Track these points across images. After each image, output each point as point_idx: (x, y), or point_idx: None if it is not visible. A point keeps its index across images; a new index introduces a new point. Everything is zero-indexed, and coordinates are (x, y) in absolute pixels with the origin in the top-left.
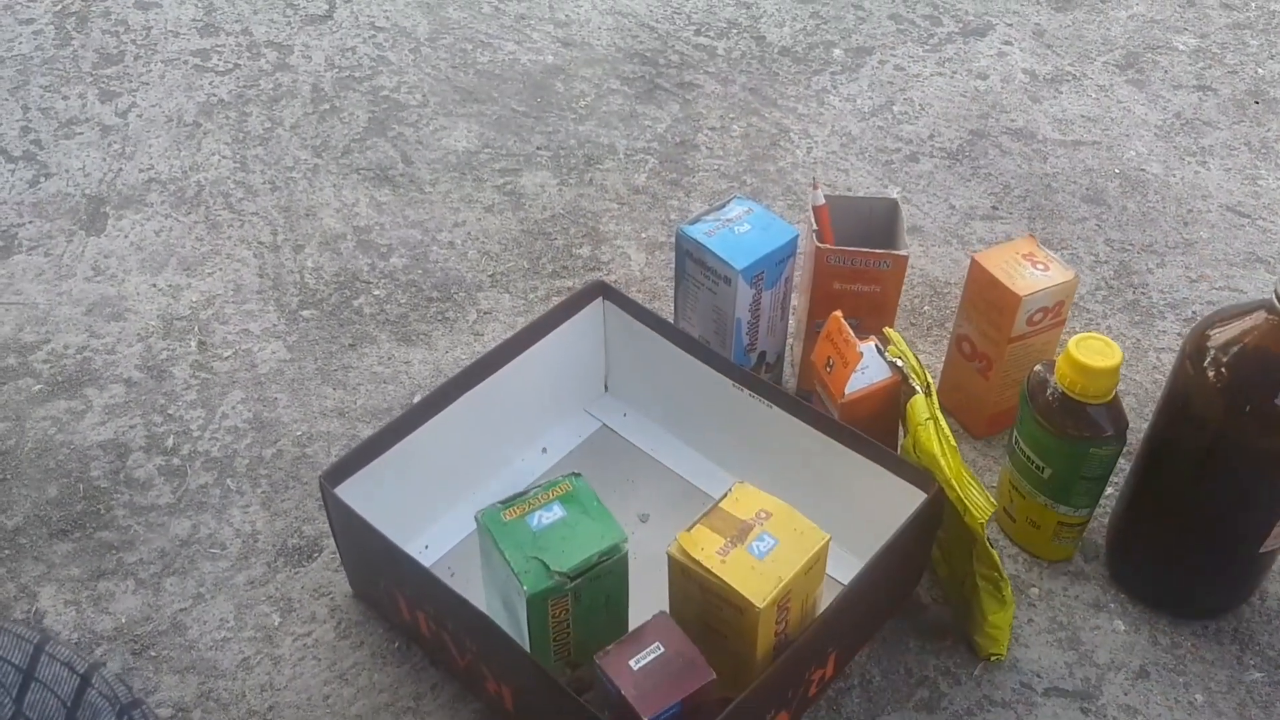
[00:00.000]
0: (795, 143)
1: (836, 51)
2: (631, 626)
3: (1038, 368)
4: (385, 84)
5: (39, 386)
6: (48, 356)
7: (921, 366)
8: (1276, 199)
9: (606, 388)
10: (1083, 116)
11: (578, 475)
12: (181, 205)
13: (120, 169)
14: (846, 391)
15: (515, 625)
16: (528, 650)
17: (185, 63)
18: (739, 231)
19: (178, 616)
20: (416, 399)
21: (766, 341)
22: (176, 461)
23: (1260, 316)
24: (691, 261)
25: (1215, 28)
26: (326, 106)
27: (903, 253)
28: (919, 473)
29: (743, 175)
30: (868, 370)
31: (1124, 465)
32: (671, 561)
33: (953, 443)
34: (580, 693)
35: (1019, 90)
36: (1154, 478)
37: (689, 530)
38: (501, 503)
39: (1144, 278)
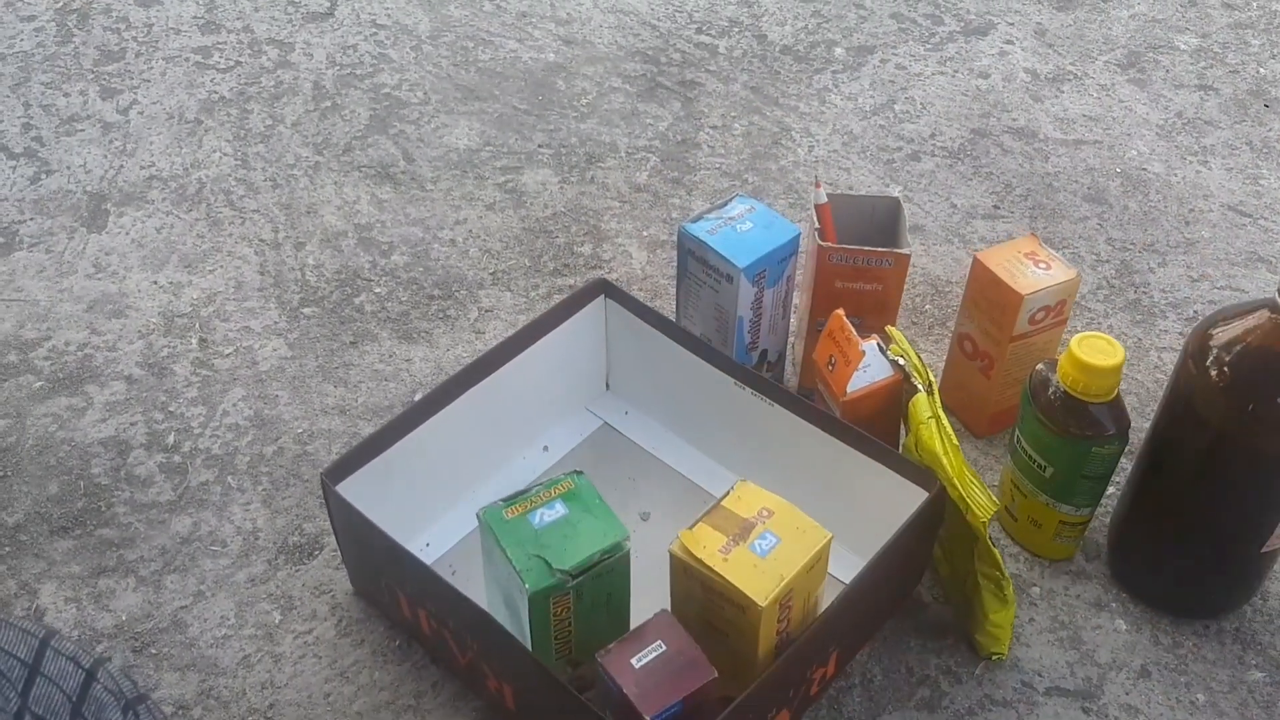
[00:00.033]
0: (797, 141)
1: (838, 50)
2: (633, 625)
3: (1040, 367)
4: (387, 81)
5: (40, 383)
6: (49, 353)
7: (923, 365)
8: (1278, 198)
9: (608, 386)
10: (1084, 116)
11: (579, 473)
12: (183, 202)
13: (121, 166)
14: (848, 390)
15: (517, 623)
16: (529, 648)
17: (186, 60)
18: (741, 230)
19: (178, 614)
20: (418, 397)
21: (768, 340)
22: (177, 459)
23: (1262, 316)
24: (693, 260)
25: (1217, 27)
26: (328, 104)
27: (905, 251)
28: (921, 471)
29: (744, 174)
30: (870, 369)
31: (1126, 465)
32: (673, 560)
33: (955, 441)
34: (582, 691)
35: (1020, 89)
36: (1156, 477)
37: (691, 528)
38: (503, 501)
39: (1145, 277)
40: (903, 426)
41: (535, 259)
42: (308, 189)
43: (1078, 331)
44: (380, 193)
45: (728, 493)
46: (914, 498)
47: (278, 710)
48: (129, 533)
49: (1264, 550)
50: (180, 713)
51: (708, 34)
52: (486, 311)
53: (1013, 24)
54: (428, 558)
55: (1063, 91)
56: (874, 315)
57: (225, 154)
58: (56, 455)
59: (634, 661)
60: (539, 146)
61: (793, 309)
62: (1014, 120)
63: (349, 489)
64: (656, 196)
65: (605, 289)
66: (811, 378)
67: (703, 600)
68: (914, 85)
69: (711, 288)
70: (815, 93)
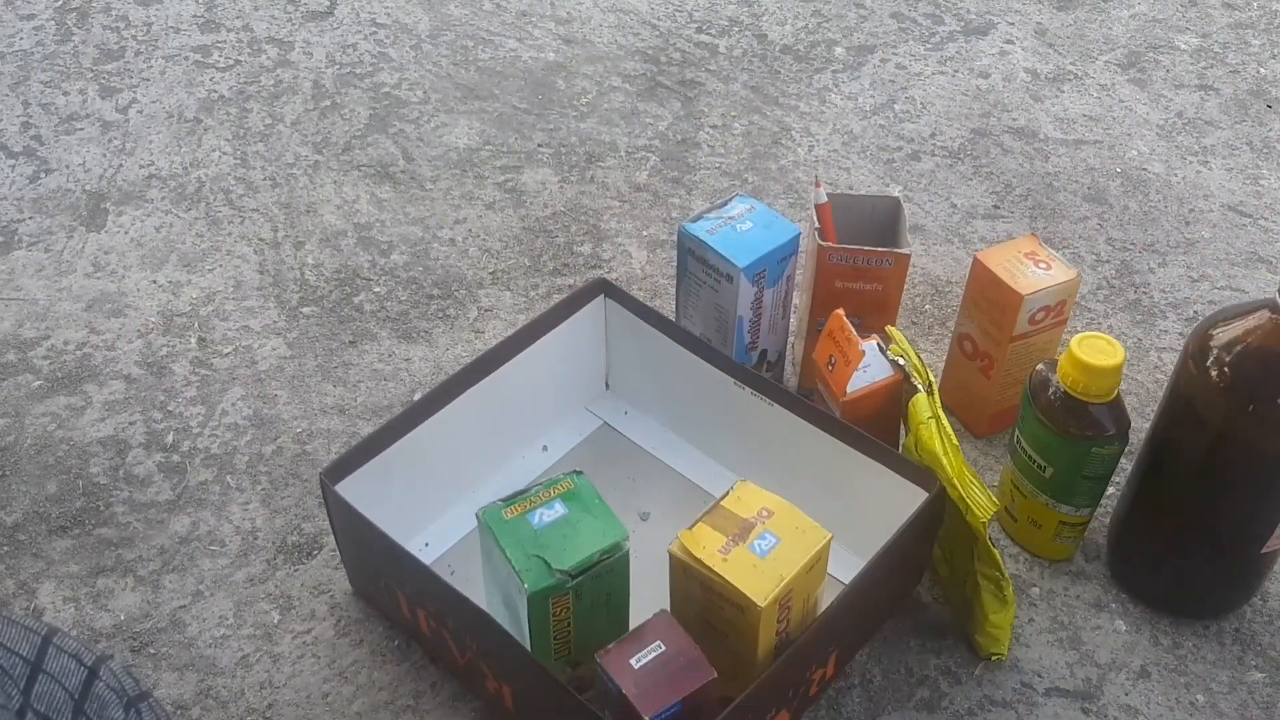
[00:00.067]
0: (797, 141)
1: (838, 50)
2: (632, 625)
3: (1040, 367)
4: (386, 81)
5: (39, 383)
6: (47, 352)
7: (923, 365)
8: (1278, 198)
9: (608, 386)
10: (1084, 115)
11: (579, 473)
12: (182, 201)
13: (121, 165)
14: (848, 390)
15: (516, 623)
16: (528, 648)
17: (186, 59)
18: (741, 229)
19: (177, 614)
20: (417, 396)
21: (768, 340)
22: (176, 458)
23: (1263, 316)
24: (693, 259)
25: (1217, 27)
26: (327, 103)
27: (905, 251)
28: (921, 472)
29: (744, 173)
30: (869, 369)
31: (1126, 465)
32: (673, 560)
33: (954, 442)
34: (581, 691)
35: (1021, 89)
36: (1156, 478)
37: (690, 528)
38: (502, 500)
39: (1145, 277)
40: (902, 427)
41: (535, 258)
42: (307, 188)
43: (1078, 332)
44: (380, 192)
45: (727, 493)
46: (914, 498)
47: (276, 710)
48: (128, 532)
49: (1264, 551)
50: (179, 713)
51: (708, 33)
52: (486, 311)
53: (1013, 24)
54: (427, 558)
55: (1063, 91)
56: (874, 315)
57: (224, 153)
58: (55, 454)
59: (633, 662)
60: (539, 146)
61: (793, 309)
62: (1014, 120)
63: (348, 489)
64: (656, 196)
65: (605, 289)
66: (811, 378)
67: (702, 600)
68: (914, 85)
69: (711, 287)
70: (815, 92)
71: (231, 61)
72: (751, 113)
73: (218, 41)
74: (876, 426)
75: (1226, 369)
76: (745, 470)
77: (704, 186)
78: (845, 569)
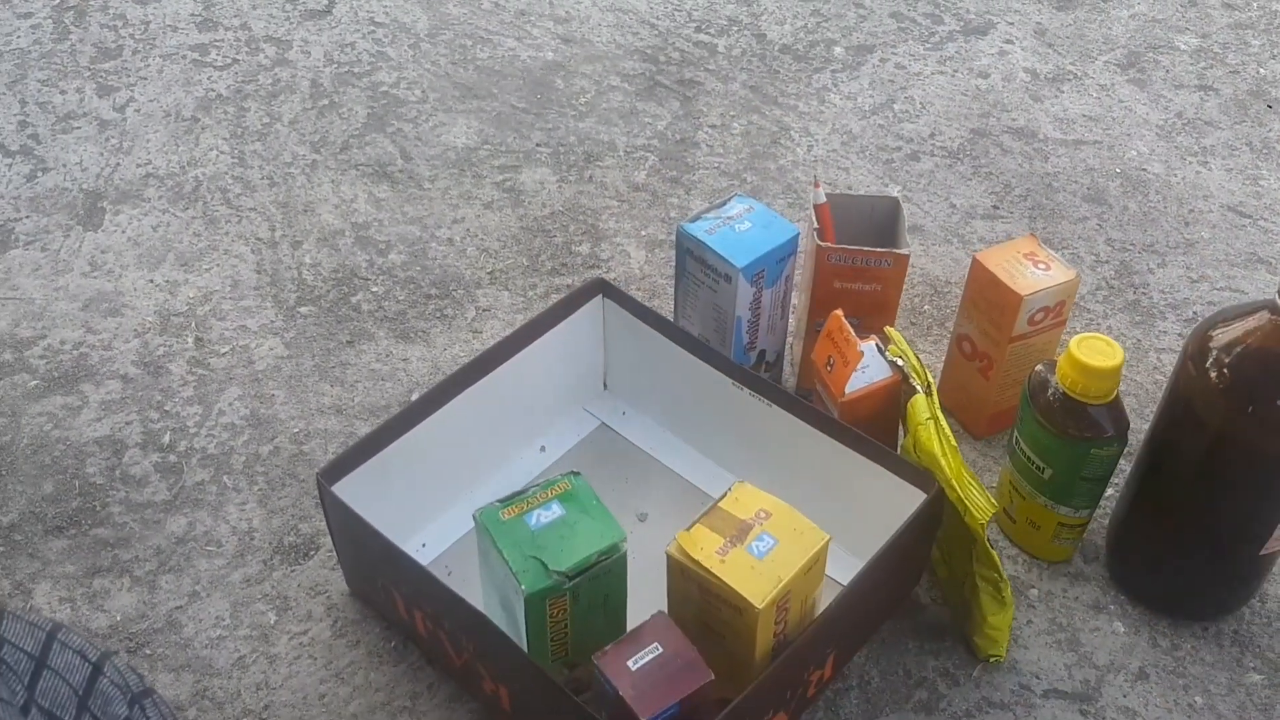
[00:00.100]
0: (796, 141)
1: (837, 49)
2: (630, 626)
3: (1039, 368)
4: (384, 80)
5: (35, 382)
6: (44, 352)
7: (922, 366)
8: (1278, 199)
9: (606, 386)
10: (1084, 116)
11: (576, 474)
12: (179, 201)
13: (118, 164)
14: (847, 390)
15: (513, 624)
16: (525, 650)
17: (183, 58)
18: (739, 229)
19: (173, 614)
20: (414, 396)
21: (766, 340)
22: (173, 458)
23: (1262, 317)
24: (692, 259)
25: (1217, 27)
26: (325, 102)
27: (904, 252)
28: (919, 473)
29: (743, 173)
30: (868, 369)
31: (1125, 466)
32: (670, 561)
33: (953, 443)
34: (578, 693)
35: (1020, 89)
36: (1155, 479)
37: (688, 530)
38: (500, 501)
39: (1145, 278)
40: (901, 428)
41: (533, 258)
42: (305, 187)
43: (1077, 332)
44: (378, 191)
45: (725, 494)
46: (912, 499)
47: (273, 711)
48: (124, 532)
49: (1263, 552)
50: (175, 714)
51: (707, 33)
52: (484, 311)
53: (1012, 23)
54: (424, 558)
55: (1062, 91)
56: (873, 316)
57: (222, 152)
58: (51, 454)
59: (630, 663)
60: (537, 145)
61: (791, 309)
62: (1013, 120)
63: (345, 489)
64: (655, 196)
65: (603, 289)
66: (810, 378)
67: (700, 602)
68: (913, 85)
69: (710, 287)
70: (814, 92)
71: (229, 60)
72: (750, 112)
73: (215, 40)
74: (875, 427)
75: (1226, 370)
76: (743, 471)
77: (703, 186)
78: (843, 570)
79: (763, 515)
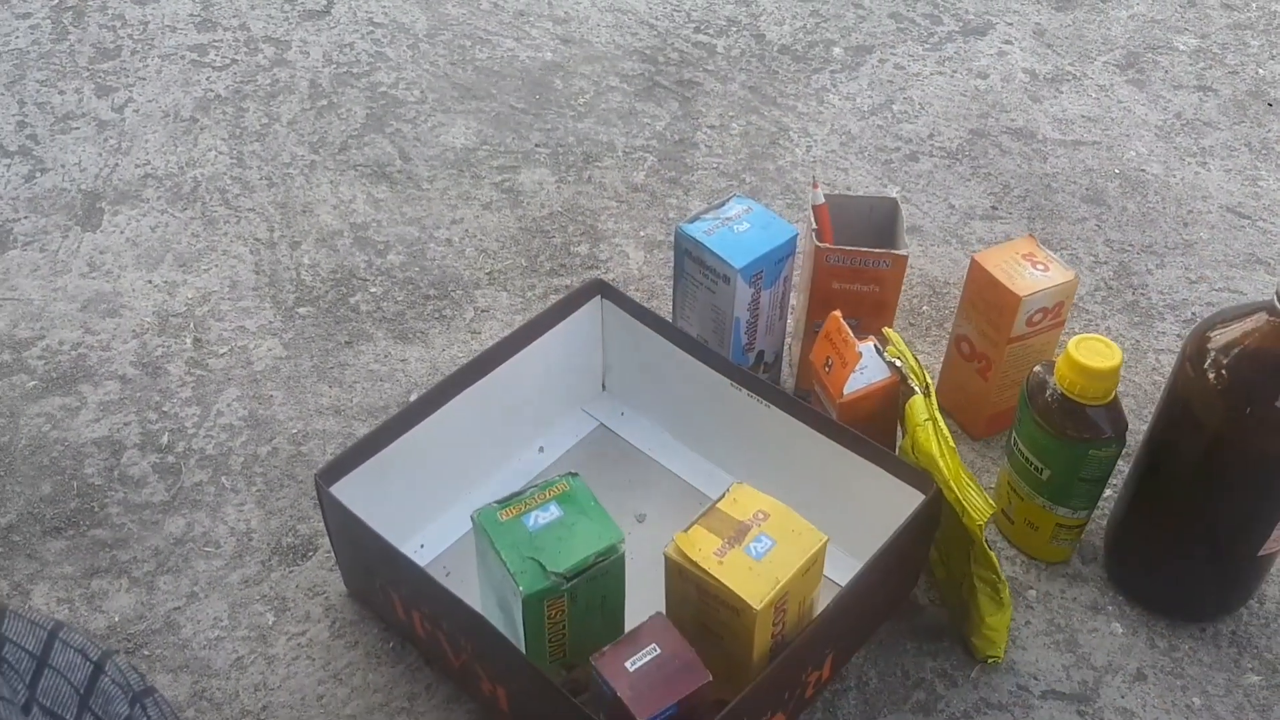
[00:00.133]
0: (795, 141)
1: (836, 50)
2: (628, 627)
3: (1037, 369)
4: (383, 80)
5: (33, 383)
6: (42, 353)
7: (920, 367)
8: (1277, 200)
9: (604, 387)
10: (1083, 116)
11: (575, 475)
12: (178, 201)
13: (116, 164)
14: (845, 391)
15: (511, 625)
16: (523, 651)
17: (182, 58)
18: (738, 230)
19: (171, 615)
20: (413, 397)
21: (765, 341)
22: (171, 459)
23: (1261, 318)
24: (690, 260)
25: (1216, 28)
26: (324, 102)
27: (902, 252)
28: (917, 474)
29: (742, 174)
30: (866, 370)
31: (1123, 467)
32: (668, 562)
33: (951, 444)
34: (576, 694)
35: (1019, 90)
36: (1153, 480)
37: (686, 531)
38: (498, 502)
39: (1144, 278)
40: (899, 428)
41: (532, 259)
42: (303, 188)
43: (1075, 333)
44: (376, 192)
45: (723, 495)
46: (910, 500)
47: (270, 712)
48: (122, 533)
49: (1261, 553)
50: (176, 713)
51: (706, 33)
52: (482, 312)
53: (1011, 24)
54: (422, 559)
55: (1061, 92)
56: (871, 316)
57: (220, 152)
58: (50, 455)
59: (628, 664)
60: (536, 146)
61: (789, 310)
62: (1012, 121)
63: (343, 490)
64: (654, 196)
65: (602, 289)
66: (808, 379)
67: (698, 603)
68: (912, 85)
69: (708, 288)
70: (813, 92)
71: (228, 61)
72: (749, 113)
73: (214, 40)
74: (873, 428)
75: (1224, 371)
76: (742, 472)
77: (701, 187)
78: (842, 571)
79: (761, 516)
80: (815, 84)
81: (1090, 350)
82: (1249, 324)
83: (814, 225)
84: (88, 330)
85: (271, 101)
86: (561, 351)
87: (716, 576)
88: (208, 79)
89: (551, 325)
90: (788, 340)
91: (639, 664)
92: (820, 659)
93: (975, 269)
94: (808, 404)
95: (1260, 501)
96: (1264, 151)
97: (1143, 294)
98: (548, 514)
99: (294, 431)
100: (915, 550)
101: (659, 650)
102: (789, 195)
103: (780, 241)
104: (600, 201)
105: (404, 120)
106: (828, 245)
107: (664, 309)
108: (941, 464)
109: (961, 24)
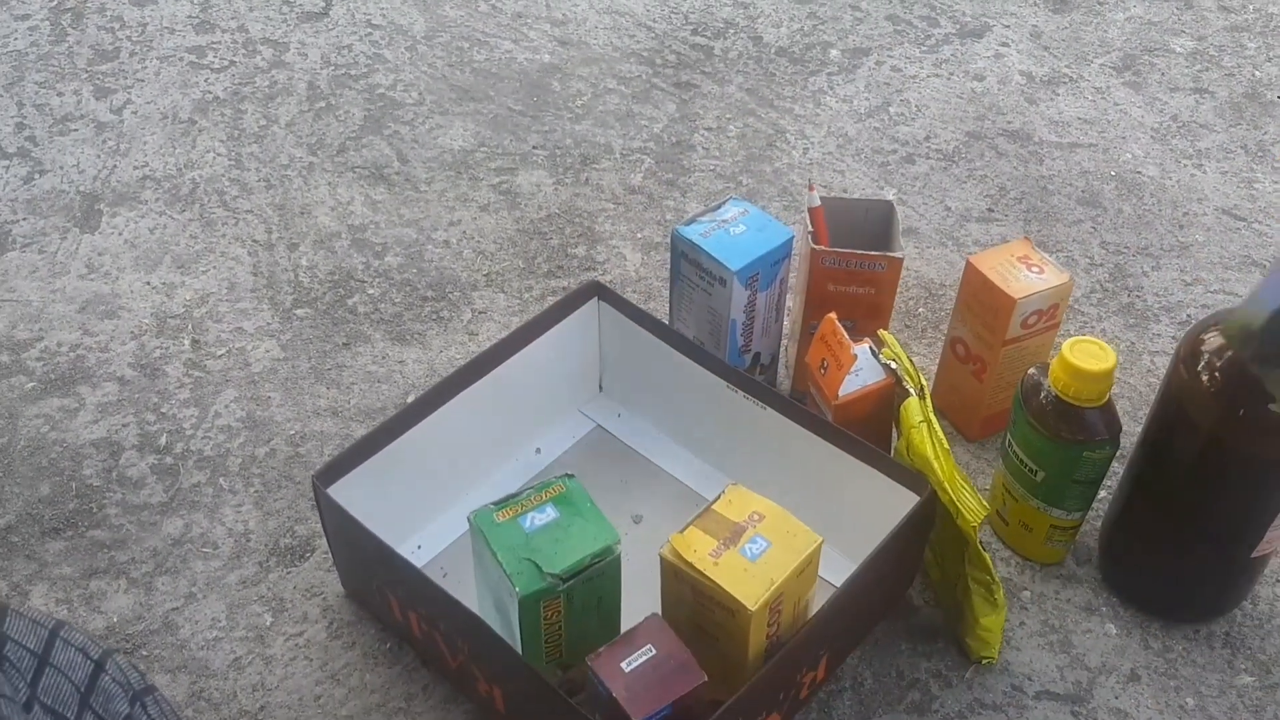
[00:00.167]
0: (791, 144)
1: (833, 52)
2: (623, 628)
3: (1032, 371)
4: (381, 82)
5: (32, 384)
6: (41, 354)
7: (915, 369)
8: (1272, 202)
9: (601, 388)
10: (1079, 119)
11: (571, 476)
12: (176, 203)
13: (115, 166)
14: (840, 393)
15: (507, 626)
16: (519, 652)
17: (181, 60)
18: (734, 232)
19: (169, 616)
20: (410, 399)
21: (761, 343)
22: (169, 460)
23: None
24: (686, 262)
25: (1212, 30)
26: (322, 104)
27: (898, 255)
28: (912, 475)
29: (739, 176)
30: (862, 372)
31: (1117, 469)
32: (664, 563)
33: (946, 446)
34: (572, 694)
35: (1015, 92)
36: (1147, 482)
37: (681, 532)
38: (494, 504)
39: (1139, 281)
40: (894, 430)
41: (529, 261)
42: (301, 190)
43: (1071, 335)
44: (374, 194)
45: (719, 496)
46: (905, 501)
47: (268, 712)
48: (120, 534)
49: (1254, 554)
50: (176, 712)
51: (703, 35)
52: (480, 313)
53: (1008, 26)
54: (419, 560)
55: (1058, 94)
56: (867, 318)
57: (219, 154)
58: (48, 456)
59: (624, 665)
60: (533, 148)
61: (786, 312)
62: (1009, 123)
63: (341, 491)
64: (651, 198)
65: (599, 291)
66: (804, 381)
67: (693, 604)
68: (909, 88)
69: (705, 290)
70: (810, 95)
71: (226, 63)
72: (746, 115)
73: (212, 42)
74: (868, 430)
75: (1218, 373)
76: (737, 473)
77: (698, 189)
78: (836, 572)
79: (756, 518)
80: (812, 86)
81: (1085, 352)
82: None
83: (810, 227)
84: (86, 332)
85: (269, 103)
86: (558, 353)
87: (711, 577)
88: (206, 81)
89: (549, 327)
90: (784, 342)
91: (634, 665)
92: (815, 660)
93: (970, 271)
94: (803, 406)
95: (1254, 503)
96: (1260, 154)
97: (1138, 296)
98: (544, 515)
99: (292, 433)
100: (910, 551)
101: (654, 651)
102: (786, 197)
103: (776, 244)
104: (597, 203)
105: (402, 122)
106: (823, 247)
107: (661, 311)
108: (936, 466)
109: (958, 26)
